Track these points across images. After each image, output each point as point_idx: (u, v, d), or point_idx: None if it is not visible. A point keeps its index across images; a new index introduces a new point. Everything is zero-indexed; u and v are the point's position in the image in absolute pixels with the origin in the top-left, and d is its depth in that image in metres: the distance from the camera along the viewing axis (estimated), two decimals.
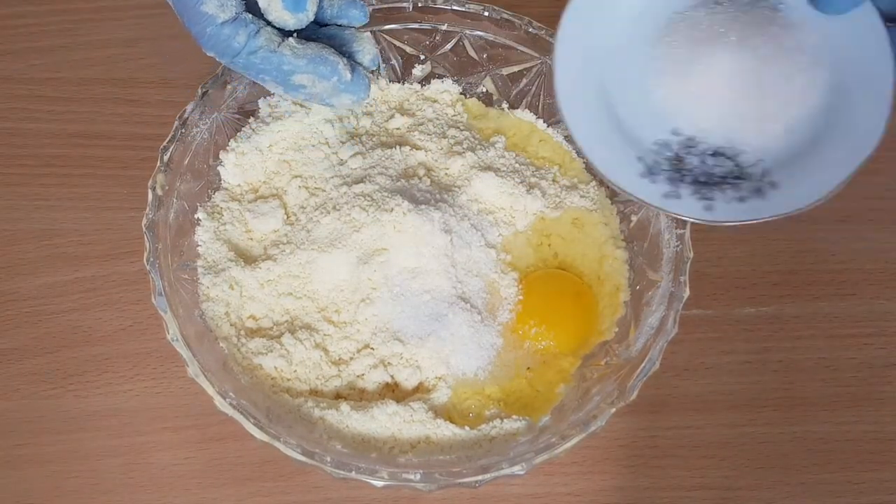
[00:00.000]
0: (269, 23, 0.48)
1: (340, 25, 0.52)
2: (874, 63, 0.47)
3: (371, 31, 0.62)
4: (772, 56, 0.48)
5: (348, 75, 0.50)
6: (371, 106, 0.63)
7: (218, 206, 0.59)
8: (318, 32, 0.52)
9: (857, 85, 0.48)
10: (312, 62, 0.49)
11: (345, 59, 0.50)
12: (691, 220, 0.50)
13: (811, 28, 0.48)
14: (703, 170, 0.50)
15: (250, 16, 0.47)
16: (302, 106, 0.60)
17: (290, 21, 0.48)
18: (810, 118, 0.49)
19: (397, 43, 0.64)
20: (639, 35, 0.51)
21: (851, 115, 0.48)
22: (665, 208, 0.49)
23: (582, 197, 0.61)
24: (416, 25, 0.63)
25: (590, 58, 0.50)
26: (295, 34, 0.49)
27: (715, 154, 0.50)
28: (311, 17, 0.48)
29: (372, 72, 0.54)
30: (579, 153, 0.51)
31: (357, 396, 0.54)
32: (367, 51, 0.52)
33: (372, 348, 0.55)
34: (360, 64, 0.52)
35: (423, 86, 0.65)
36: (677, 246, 0.55)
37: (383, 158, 0.60)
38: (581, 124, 0.50)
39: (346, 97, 0.51)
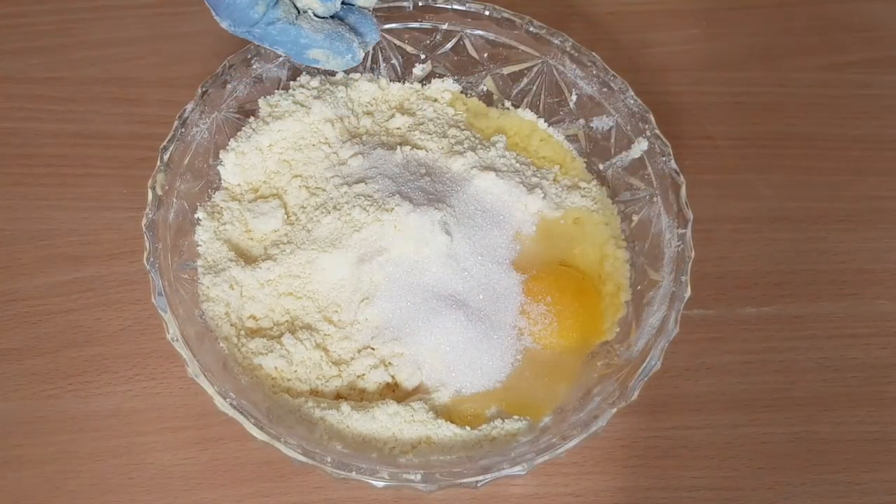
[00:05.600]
0: None
1: (350, 4, 0.52)
2: None
3: None
4: None
5: (361, 54, 0.51)
6: (371, 105, 0.63)
7: (218, 205, 0.59)
8: None
9: None
10: (329, 38, 0.49)
11: (358, 38, 0.50)
12: None
13: None
14: None
15: None
16: (302, 105, 0.60)
17: (319, 9, 0.48)
18: None
19: (398, 42, 0.64)
20: None
21: None
22: None
23: (583, 197, 0.61)
24: (416, 25, 0.63)
25: None
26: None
27: None
28: (338, 7, 0.49)
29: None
30: None
31: (357, 396, 0.54)
32: (371, 29, 0.53)
33: (372, 348, 0.55)
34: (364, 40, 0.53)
35: (423, 85, 0.65)
36: (679, 246, 0.55)
37: (384, 158, 0.60)
38: None
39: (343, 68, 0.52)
